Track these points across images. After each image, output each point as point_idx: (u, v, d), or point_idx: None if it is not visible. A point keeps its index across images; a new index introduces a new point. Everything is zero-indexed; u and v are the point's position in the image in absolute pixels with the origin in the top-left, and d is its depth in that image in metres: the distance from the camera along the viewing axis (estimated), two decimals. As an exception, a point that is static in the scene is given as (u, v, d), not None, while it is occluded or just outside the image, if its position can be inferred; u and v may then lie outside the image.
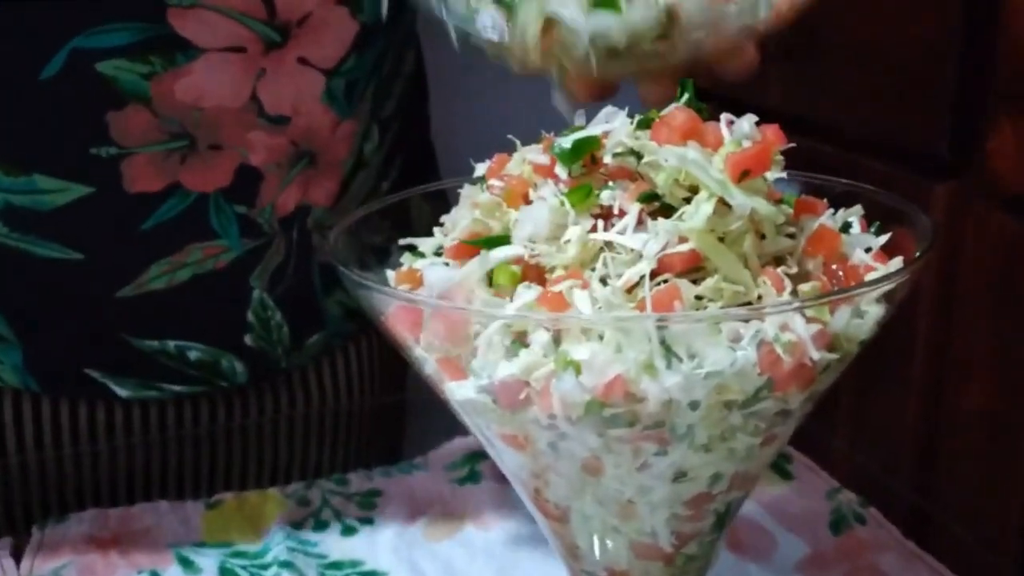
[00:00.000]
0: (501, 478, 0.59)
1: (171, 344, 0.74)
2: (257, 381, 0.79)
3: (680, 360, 0.38)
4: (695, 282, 0.40)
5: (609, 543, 0.46)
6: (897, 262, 0.42)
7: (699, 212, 0.39)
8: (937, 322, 0.84)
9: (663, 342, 0.38)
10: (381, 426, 0.90)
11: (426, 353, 0.42)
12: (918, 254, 0.43)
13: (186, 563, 0.63)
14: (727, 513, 0.46)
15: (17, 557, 0.63)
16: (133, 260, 0.71)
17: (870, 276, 0.41)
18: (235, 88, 0.68)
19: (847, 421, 0.89)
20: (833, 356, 0.40)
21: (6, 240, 0.69)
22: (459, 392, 0.42)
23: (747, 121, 0.43)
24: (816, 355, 0.39)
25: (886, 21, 0.84)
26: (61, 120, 0.66)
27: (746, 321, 0.38)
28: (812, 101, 0.84)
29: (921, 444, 0.87)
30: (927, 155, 0.82)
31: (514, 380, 0.39)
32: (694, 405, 0.39)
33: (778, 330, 0.38)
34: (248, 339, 0.76)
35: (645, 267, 0.39)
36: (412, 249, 0.47)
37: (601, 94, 0.51)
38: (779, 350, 0.38)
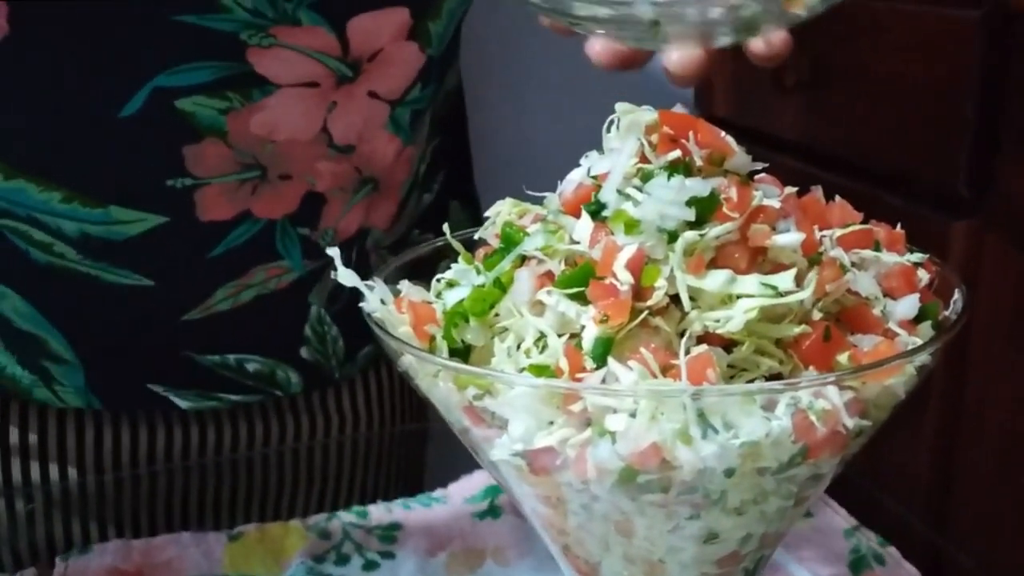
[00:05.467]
0: (521, 513, 0.59)
1: (231, 358, 0.76)
2: (310, 391, 0.81)
3: (716, 431, 0.38)
4: (728, 349, 0.40)
5: (638, 598, 0.47)
6: (927, 328, 0.42)
7: (739, 319, 0.39)
8: (953, 359, 0.84)
9: (698, 412, 0.38)
10: (403, 452, 0.90)
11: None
12: (954, 318, 0.43)
13: (209, 597, 0.64)
14: (755, 570, 0.47)
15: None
16: (201, 285, 0.72)
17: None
18: (307, 121, 0.69)
19: (866, 458, 0.89)
20: (866, 423, 0.41)
21: (77, 266, 0.70)
22: (492, 453, 0.42)
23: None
24: (850, 423, 0.39)
25: (904, 56, 0.84)
26: (138, 154, 0.67)
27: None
28: (829, 134, 0.84)
29: (937, 483, 0.87)
30: (945, 192, 0.82)
31: (549, 448, 0.40)
32: (729, 472, 0.39)
33: (812, 398, 0.39)
34: (304, 352, 0.78)
35: (679, 345, 0.39)
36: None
37: (631, 64, 0.49)
38: (813, 418, 0.39)
